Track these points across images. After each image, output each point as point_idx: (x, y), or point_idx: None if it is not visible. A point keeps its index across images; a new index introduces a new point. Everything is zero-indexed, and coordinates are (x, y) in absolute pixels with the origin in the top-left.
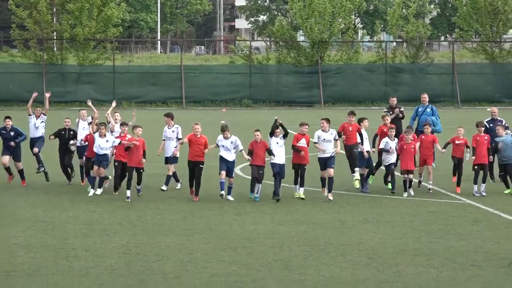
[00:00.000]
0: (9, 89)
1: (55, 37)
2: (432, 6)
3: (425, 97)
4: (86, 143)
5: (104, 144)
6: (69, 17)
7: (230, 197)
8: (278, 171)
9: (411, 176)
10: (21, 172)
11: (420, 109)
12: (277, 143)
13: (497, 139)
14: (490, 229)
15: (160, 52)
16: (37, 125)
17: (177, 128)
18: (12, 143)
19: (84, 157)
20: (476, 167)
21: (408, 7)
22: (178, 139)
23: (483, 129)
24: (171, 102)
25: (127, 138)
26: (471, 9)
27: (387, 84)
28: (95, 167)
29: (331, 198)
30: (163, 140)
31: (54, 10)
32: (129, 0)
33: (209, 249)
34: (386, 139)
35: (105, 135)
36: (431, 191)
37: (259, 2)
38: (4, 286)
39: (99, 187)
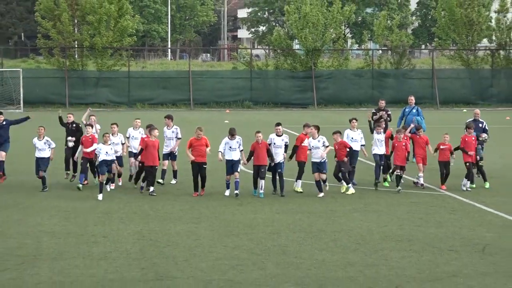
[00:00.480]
0: (35, 92)
1: (76, 46)
2: (414, 17)
3: (412, 99)
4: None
5: (110, 151)
6: (89, 28)
7: (237, 191)
8: (274, 169)
9: (402, 172)
10: (1, 163)
11: (407, 110)
12: (275, 143)
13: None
14: (466, 218)
15: (170, 59)
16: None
17: (176, 129)
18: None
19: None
20: (467, 164)
21: (393, 18)
22: (178, 138)
23: (472, 130)
24: (180, 104)
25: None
26: (448, 21)
27: (374, 87)
28: (102, 176)
29: (321, 194)
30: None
31: (76, 21)
32: (143, 12)
33: (214, 236)
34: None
35: (108, 143)
36: (419, 184)
37: (259, 14)
38: (32, 268)
39: (108, 183)
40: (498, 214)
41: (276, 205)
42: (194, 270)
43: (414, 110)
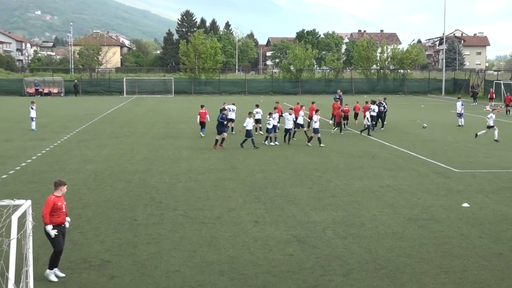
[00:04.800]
0: (178, 88)
1: (196, 67)
2: (343, 55)
3: (339, 91)
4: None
5: (252, 122)
6: (202, 60)
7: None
8: (288, 130)
9: (344, 122)
10: (223, 140)
11: (337, 96)
12: (288, 119)
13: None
14: (365, 143)
15: (237, 73)
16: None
17: (234, 107)
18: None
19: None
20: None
21: (334, 55)
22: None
23: (373, 104)
24: (241, 93)
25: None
26: (358, 57)
27: (325, 86)
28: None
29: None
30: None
31: (196, 56)
32: (225, 53)
33: (256, 152)
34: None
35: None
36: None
37: (275, 54)
38: (177, 164)
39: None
40: (379, 141)
41: (281, 144)
42: (247, 165)
43: (341, 95)
